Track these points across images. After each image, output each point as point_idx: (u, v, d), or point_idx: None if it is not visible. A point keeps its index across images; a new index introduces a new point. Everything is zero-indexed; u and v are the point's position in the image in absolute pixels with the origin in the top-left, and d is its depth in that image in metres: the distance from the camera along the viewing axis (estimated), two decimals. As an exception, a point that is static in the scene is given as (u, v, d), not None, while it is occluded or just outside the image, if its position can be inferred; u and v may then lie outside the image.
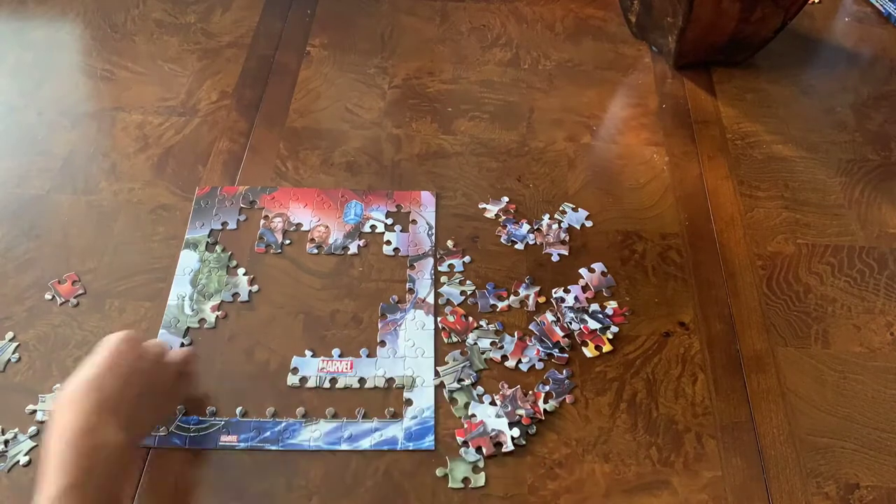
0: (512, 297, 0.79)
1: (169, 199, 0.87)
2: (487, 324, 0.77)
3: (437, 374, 0.73)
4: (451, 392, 0.72)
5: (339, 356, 0.74)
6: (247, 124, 0.95)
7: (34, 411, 0.70)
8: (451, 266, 0.81)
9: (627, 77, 1.04)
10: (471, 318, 0.77)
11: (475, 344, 0.75)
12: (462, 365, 0.74)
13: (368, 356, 0.74)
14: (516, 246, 0.84)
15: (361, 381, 0.73)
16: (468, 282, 0.80)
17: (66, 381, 0.61)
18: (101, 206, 0.85)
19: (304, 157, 0.92)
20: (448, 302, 0.79)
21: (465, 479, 0.67)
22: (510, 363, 0.74)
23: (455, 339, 0.76)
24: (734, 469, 0.69)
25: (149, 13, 1.08)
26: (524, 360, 0.75)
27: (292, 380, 0.73)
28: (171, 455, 0.68)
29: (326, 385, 0.72)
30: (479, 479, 0.67)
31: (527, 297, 0.80)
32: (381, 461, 0.68)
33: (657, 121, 0.98)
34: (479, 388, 0.73)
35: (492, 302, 0.79)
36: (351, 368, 0.73)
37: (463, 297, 0.79)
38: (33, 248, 0.82)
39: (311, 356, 0.74)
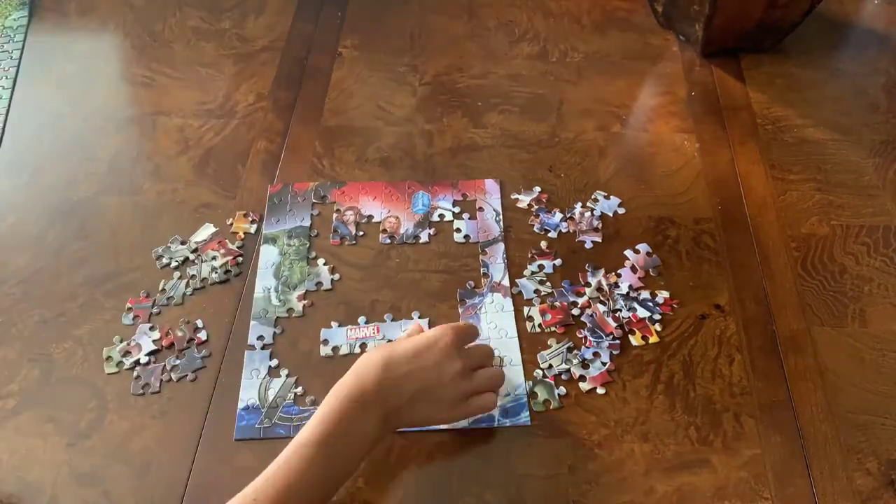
0: (588, 290, 0.80)
1: (210, 198, 0.89)
2: (557, 343, 0.77)
3: (543, 359, 0.75)
4: (532, 385, 0.74)
5: (365, 323, 0.77)
6: (283, 125, 0.98)
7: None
8: (540, 266, 0.82)
9: (655, 66, 1.04)
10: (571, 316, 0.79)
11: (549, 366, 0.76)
12: (566, 346, 0.76)
13: (393, 320, 0.78)
14: (549, 234, 0.85)
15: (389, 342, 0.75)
16: (547, 283, 0.81)
17: (390, 344, 0.67)
18: (146, 207, 0.89)
19: (339, 155, 0.94)
20: (520, 293, 0.80)
21: (546, 402, 0.72)
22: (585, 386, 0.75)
23: (544, 330, 0.77)
24: (774, 447, 0.69)
25: (185, 21, 1.12)
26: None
27: (325, 350, 0.75)
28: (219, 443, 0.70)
29: (357, 350, 0.75)
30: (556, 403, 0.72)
31: (599, 282, 0.80)
32: (424, 443, 0.70)
33: (686, 108, 0.99)
34: (562, 389, 0.73)
35: (571, 299, 0.80)
36: (378, 332, 0.76)
37: (536, 295, 0.80)
38: (83, 247, 0.85)
39: (338, 326, 0.77)
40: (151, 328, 0.77)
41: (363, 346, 0.76)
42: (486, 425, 0.71)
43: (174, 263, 0.82)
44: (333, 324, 0.78)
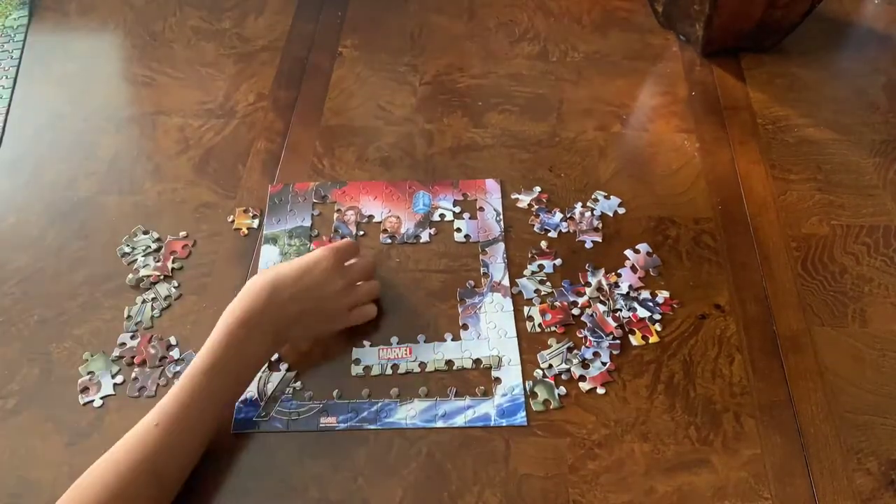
0: (588, 290, 0.80)
1: (211, 197, 0.89)
2: (558, 343, 0.77)
3: (543, 359, 0.75)
4: (532, 385, 0.73)
5: (398, 343, 0.77)
6: (283, 124, 0.97)
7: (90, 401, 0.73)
8: (540, 266, 0.82)
9: (656, 66, 1.04)
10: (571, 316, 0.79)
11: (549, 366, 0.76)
12: (566, 346, 0.76)
13: (426, 341, 0.77)
14: (549, 234, 0.85)
15: (422, 364, 0.75)
16: (548, 283, 0.81)
17: (276, 267, 0.72)
18: (147, 206, 0.89)
19: (339, 154, 0.94)
20: (520, 293, 0.80)
21: (546, 402, 0.72)
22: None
23: (544, 330, 0.77)
24: (774, 447, 0.69)
25: (185, 20, 1.12)
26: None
27: (356, 370, 0.75)
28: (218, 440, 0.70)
29: (389, 371, 0.75)
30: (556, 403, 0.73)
31: (599, 282, 0.80)
32: (423, 442, 0.70)
33: (687, 108, 0.99)
34: (562, 389, 0.73)
35: (571, 299, 0.80)
36: (410, 354, 0.76)
37: (536, 294, 0.80)
38: (83, 247, 0.85)
39: (370, 345, 0.77)
40: (132, 336, 0.77)
41: (395, 368, 0.75)
42: (483, 424, 0.71)
43: (140, 257, 0.83)
44: (365, 343, 0.77)
